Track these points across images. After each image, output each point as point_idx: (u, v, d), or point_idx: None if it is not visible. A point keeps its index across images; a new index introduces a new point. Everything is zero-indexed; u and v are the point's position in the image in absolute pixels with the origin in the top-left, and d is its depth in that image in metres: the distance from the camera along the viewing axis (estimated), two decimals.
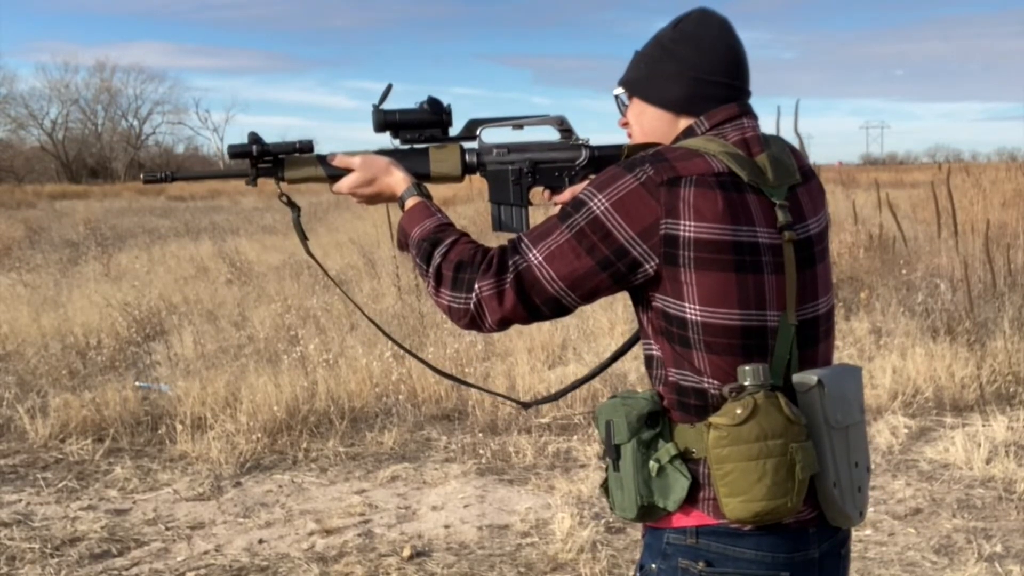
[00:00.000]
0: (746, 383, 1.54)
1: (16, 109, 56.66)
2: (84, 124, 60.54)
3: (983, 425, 5.57)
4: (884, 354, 6.72)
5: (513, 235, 1.76)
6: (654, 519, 1.63)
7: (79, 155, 57.41)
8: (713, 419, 1.54)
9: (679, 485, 1.58)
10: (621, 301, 7.96)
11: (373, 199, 1.93)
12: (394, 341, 2.18)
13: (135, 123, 62.79)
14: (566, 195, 1.91)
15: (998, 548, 4.13)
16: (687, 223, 1.55)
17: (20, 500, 4.93)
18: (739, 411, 1.51)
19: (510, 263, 1.62)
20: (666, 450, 1.59)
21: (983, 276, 8.40)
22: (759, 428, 1.51)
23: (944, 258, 9.20)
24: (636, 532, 4.32)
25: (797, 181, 1.67)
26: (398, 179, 1.87)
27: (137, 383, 6.64)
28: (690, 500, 1.59)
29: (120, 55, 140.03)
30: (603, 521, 4.41)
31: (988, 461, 5.09)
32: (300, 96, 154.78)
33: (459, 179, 1.97)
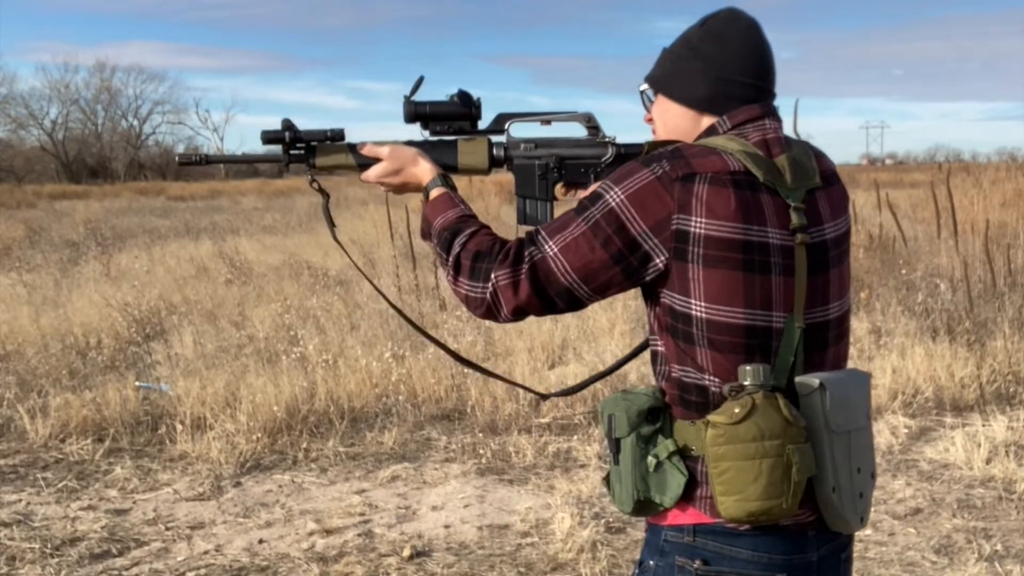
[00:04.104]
0: (746, 383, 1.54)
1: (16, 109, 56.72)
2: (84, 124, 60.56)
3: (983, 425, 5.57)
4: (884, 354, 6.71)
5: None
6: (650, 514, 1.64)
7: (79, 155, 57.38)
8: (711, 417, 1.54)
9: (676, 481, 1.59)
10: (621, 301, 7.96)
11: (400, 188, 1.96)
12: (421, 330, 2.17)
13: (135, 123, 62.85)
14: (591, 190, 1.93)
15: (998, 548, 4.13)
16: (698, 219, 1.56)
17: (20, 500, 4.93)
18: (737, 410, 1.51)
19: (526, 254, 1.64)
20: (665, 446, 1.59)
21: (983, 276, 8.40)
22: (756, 428, 1.51)
23: (944, 258, 9.20)
24: (636, 532, 4.32)
25: (816, 185, 1.66)
26: (424, 170, 1.90)
27: (137, 383, 6.64)
28: (687, 498, 1.59)
29: (119, 55, 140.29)
30: (603, 521, 4.41)
31: (988, 461, 5.09)
32: (300, 96, 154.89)
33: (486, 172, 1.99)
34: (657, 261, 1.59)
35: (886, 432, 5.58)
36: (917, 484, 4.91)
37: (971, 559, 4.01)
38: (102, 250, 13.42)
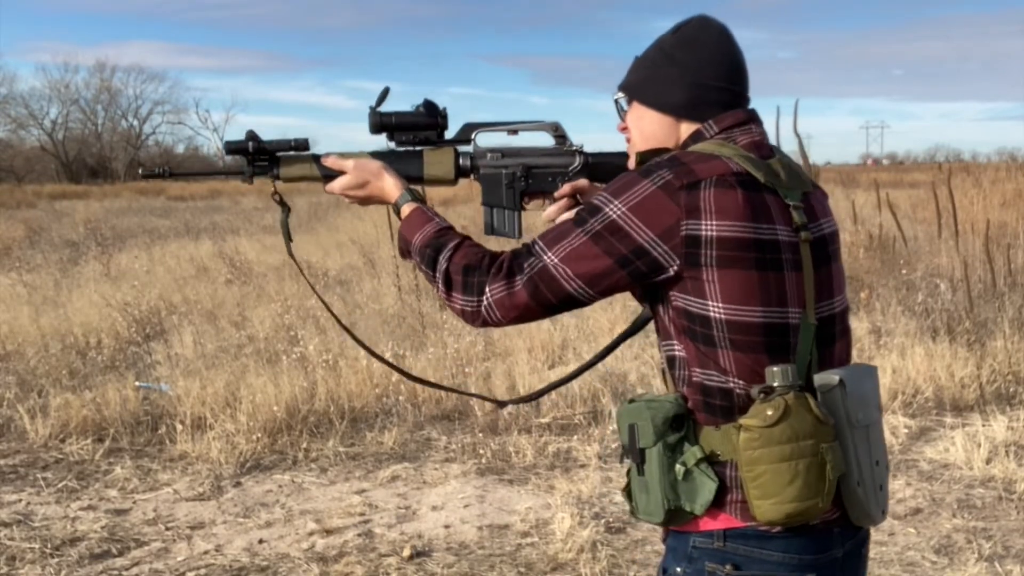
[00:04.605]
0: (775, 384, 1.54)
1: (16, 109, 56.63)
2: (84, 124, 60.48)
3: (983, 425, 5.57)
4: (884, 354, 6.72)
5: (507, 239, 1.76)
6: (680, 523, 1.62)
7: (79, 155, 57.32)
8: (744, 421, 1.53)
9: (706, 488, 1.58)
10: (621, 301, 7.95)
11: (364, 201, 1.96)
12: (363, 345, 2.16)
13: (135, 123, 62.76)
14: (566, 188, 1.94)
15: (998, 548, 4.13)
16: (709, 223, 1.55)
17: (20, 500, 4.93)
18: (770, 412, 1.51)
19: (525, 265, 1.63)
20: (692, 453, 1.58)
21: (983, 276, 8.40)
22: (791, 429, 1.51)
23: (944, 258, 9.20)
24: (636, 532, 4.32)
25: (809, 189, 1.70)
26: (390, 185, 1.89)
27: (137, 383, 6.64)
28: (717, 503, 1.58)
29: (119, 55, 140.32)
30: (603, 521, 4.41)
31: (988, 461, 5.09)
32: (299, 96, 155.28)
33: (452, 182, 1.98)
34: (669, 269, 1.58)
35: (886, 432, 5.58)
36: (917, 484, 4.91)
37: (971, 559, 4.01)
38: (102, 250, 13.42)
